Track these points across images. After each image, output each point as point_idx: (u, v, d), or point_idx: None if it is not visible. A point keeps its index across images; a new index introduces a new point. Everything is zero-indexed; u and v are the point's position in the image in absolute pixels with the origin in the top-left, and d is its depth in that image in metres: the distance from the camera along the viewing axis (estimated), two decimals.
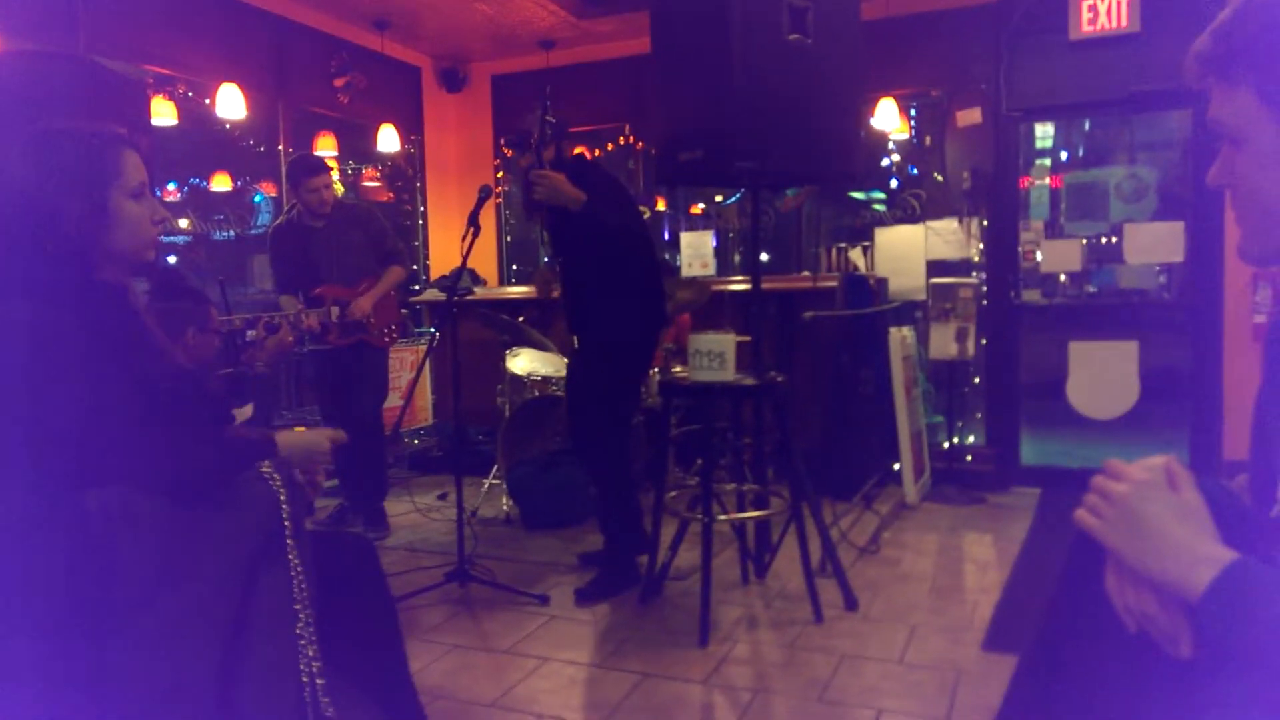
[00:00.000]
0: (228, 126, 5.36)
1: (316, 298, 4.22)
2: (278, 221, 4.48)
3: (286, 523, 1.51)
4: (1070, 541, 1.15)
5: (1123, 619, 1.05)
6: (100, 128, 1.63)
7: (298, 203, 4.33)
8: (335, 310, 4.23)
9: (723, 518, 3.41)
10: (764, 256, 3.43)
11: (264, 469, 1.53)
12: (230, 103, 4.96)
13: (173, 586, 1.40)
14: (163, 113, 4.75)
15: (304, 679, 1.50)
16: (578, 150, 5.22)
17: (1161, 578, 1.00)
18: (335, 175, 4.39)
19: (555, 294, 3.84)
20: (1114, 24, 5.03)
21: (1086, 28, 5.08)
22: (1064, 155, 8.81)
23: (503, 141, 6.49)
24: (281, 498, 1.51)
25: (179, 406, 1.50)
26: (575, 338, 3.66)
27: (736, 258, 6.93)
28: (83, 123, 1.62)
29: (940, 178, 5.62)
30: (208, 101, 5.03)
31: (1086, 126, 8.60)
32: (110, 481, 1.38)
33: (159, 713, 1.36)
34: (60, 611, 1.37)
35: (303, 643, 1.50)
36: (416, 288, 6.35)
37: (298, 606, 1.51)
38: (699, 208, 6.67)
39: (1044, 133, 8.38)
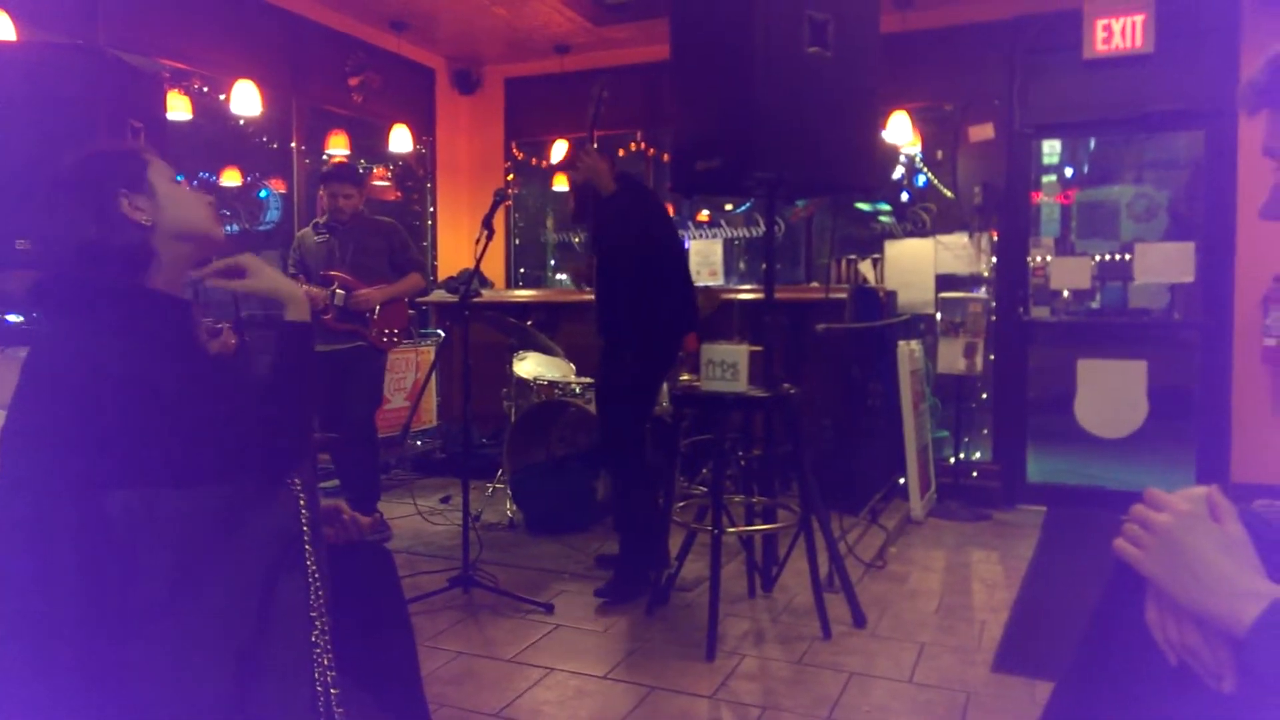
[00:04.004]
0: (241, 122, 5.35)
1: (325, 278, 4.25)
2: (307, 227, 4.55)
3: (305, 529, 1.49)
4: (1109, 570, 1.13)
5: (1164, 651, 1.03)
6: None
7: (327, 208, 4.41)
8: (341, 295, 4.25)
9: (732, 530, 3.40)
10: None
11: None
12: (246, 99, 4.96)
13: (192, 590, 1.38)
14: (177, 107, 4.74)
15: (318, 687, 1.48)
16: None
17: (1205, 611, 0.98)
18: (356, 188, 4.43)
19: (587, 291, 3.88)
20: (1128, 44, 5.02)
21: (1100, 47, 5.08)
22: (1069, 172, 8.82)
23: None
24: (301, 503, 1.50)
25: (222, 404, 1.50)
26: (603, 340, 3.68)
27: (742, 265, 6.92)
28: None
29: (950, 193, 5.61)
30: (222, 97, 5.02)
31: (1093, 145, 8.60)
32: (139, 482, 1.37)
33: (177, 715, 1.35)
34: (80, 611, 1.35)
35: (318, 650, 1.48)
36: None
37: (314, 614, 1.49)
38: (705, 215, 6.66)
39: (1050, 149, 8.38)
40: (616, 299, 3.62)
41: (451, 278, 6.32)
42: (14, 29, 3.69)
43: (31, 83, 2.76)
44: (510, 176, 6.84)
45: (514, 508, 4.64)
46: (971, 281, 5.47)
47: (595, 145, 3.58)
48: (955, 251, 5.47)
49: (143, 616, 1.36)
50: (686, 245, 6.42)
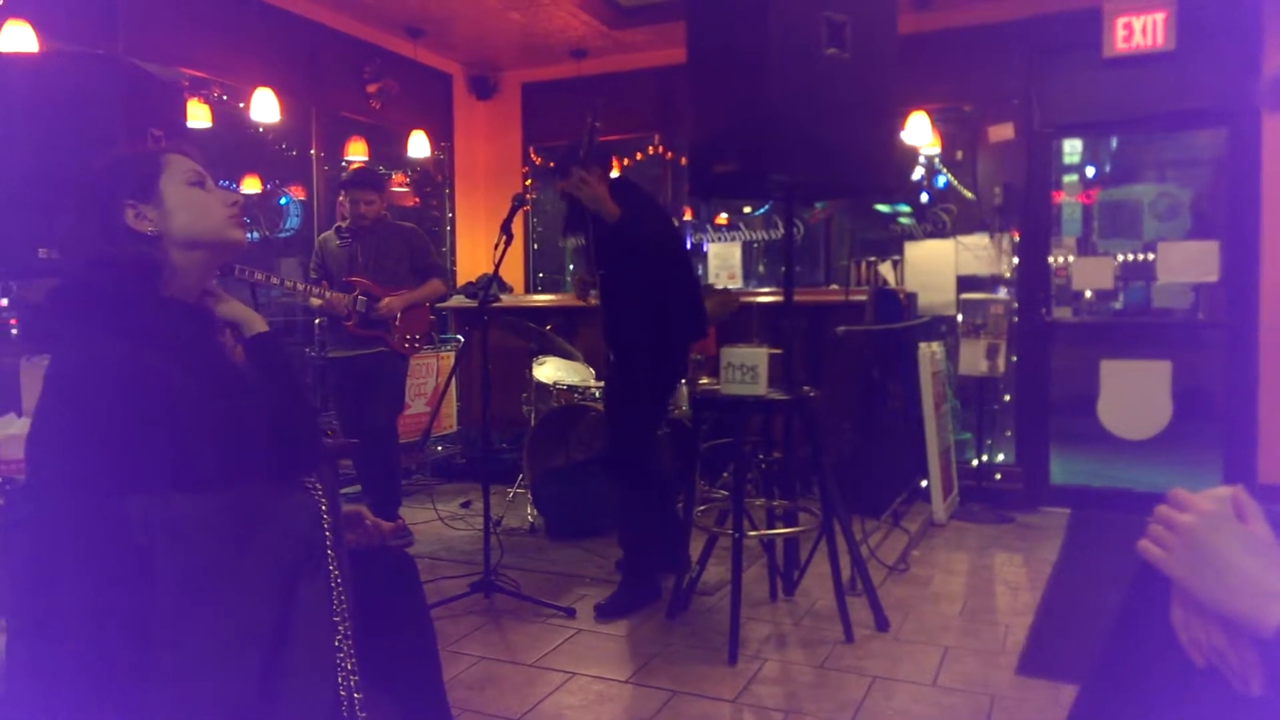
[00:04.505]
0: (260, 130, 5.39)
1: (347, 284, 4.28)
2: (329, 231, 4.59)
3: (327, 533, 1.49)
4: (1134, 572, 1.12)
5: (1189, 653, 1.02)
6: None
7: (348, 213, 4.44)
8: (363, 300, 4.27)
9: (753, 534, 3.39)
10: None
11: (306, 479, 1.53)
12: (265, 107, 5.00)
13: (213, 595, 1.39)
14: (197, 115, 4.78)
15: (341, 691, 1.49)
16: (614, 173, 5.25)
17: (1231, 613, 0.97)
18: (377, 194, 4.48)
19: (593, 300, 3.85)
20: (1149, 42, 4.97)
21: (1121, 45, 5.03)
22: (1090, 171, 8.76)
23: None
24: (323, 508, 1.50)
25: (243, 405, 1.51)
26: (610, 352, 3.66)
27: (761, 268, 6.91)
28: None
29: (970, 194, 5.58)
30: (241, 105, 5.06)
31: (1114, 144, 8.54)
32: (155, 488, 1.38)
33: (199, 718, 1.36)
34: (99, 616, 1.37)
35: (340, 655, 1.49)
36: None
37: (336, 619, 1.49)
38: (723, 218, 6.66)
39: (1071, 148, 8.33)
40: (625, 314, 3.58)
41: (470, 283, 6.35)
42: (36, 40, 3.74)
43: (53, 92, 2.79)
44: (528, 181, 6.86)
45: (534, 512, 4.64)
46: (992, 282, 5.44)
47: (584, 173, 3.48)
48: (976, 252, 5.44)
49: (162, 620, 1.37)
50: (705, 249, 6.42)
